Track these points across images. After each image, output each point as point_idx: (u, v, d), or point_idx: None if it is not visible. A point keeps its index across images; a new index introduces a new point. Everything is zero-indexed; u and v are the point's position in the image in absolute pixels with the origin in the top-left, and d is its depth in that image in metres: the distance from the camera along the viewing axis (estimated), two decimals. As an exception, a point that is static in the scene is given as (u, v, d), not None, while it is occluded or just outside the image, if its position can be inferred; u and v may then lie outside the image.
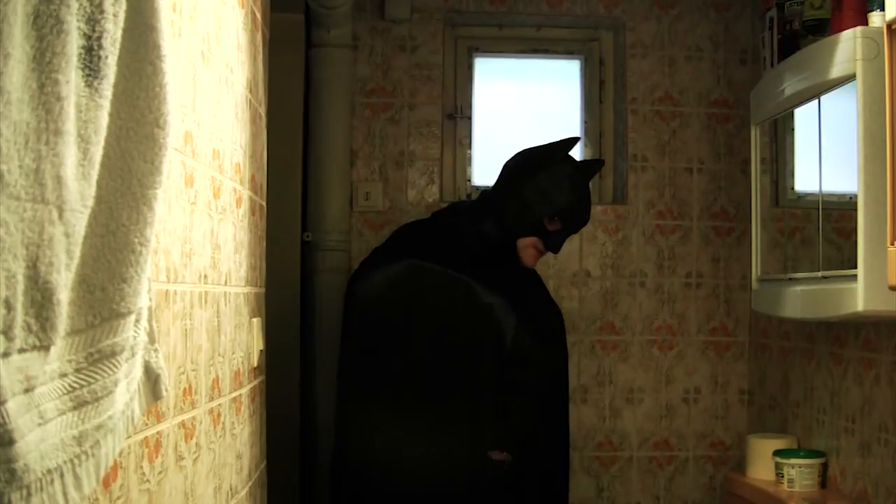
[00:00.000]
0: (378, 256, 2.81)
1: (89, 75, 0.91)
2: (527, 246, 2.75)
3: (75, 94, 0.88)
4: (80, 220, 0.91)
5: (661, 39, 3.46)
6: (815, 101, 2.55)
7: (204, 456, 1.65)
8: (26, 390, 0.84)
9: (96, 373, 0.99)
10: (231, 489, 1.89)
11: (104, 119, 0.94)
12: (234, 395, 1.92)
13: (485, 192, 2.98)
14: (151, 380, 1.18)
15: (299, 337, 3.10)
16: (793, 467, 2.74)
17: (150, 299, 1.16)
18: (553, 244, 2.75)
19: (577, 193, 2.75)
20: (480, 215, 2.80)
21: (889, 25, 1.98)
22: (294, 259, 3.12)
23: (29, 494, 0.84)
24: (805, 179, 2.83)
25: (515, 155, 2.87)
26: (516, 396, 2.63)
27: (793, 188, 2.93)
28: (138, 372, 1.12)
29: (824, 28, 2.59)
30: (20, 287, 0.80)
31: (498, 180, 2.87)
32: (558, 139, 2.83)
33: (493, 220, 2.77)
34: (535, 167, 2.78)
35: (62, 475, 0.91)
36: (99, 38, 0.91)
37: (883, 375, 2.49)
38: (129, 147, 1.03)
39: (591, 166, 2.92)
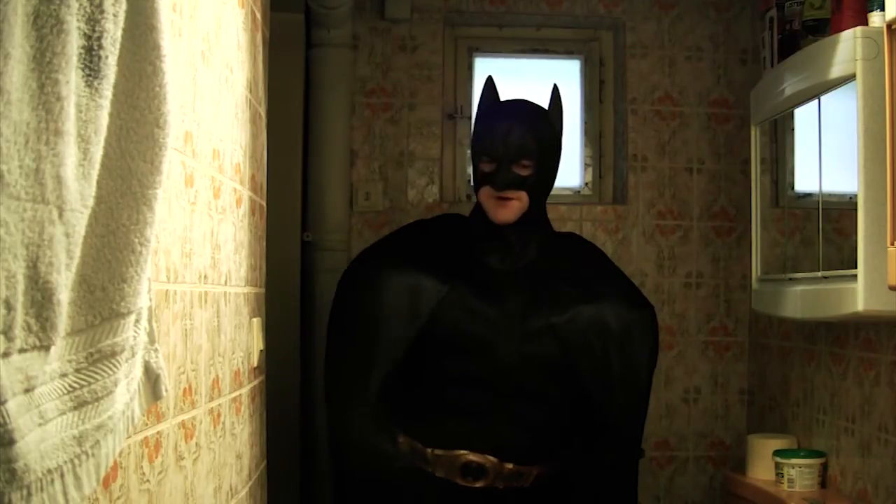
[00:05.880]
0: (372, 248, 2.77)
1: (89, 75, 0.91)
2: (485, 199, 2.52)
3: (75, 94, 0.88)
4: (80, 220, 0.91)
5: (661, 39, 3.46)
6: (815, 101, 2.55)
7: (204, 456, 1.65)
8: (26, 390, 0.84)
9: (96, 373, 0.99)
10: (231, 489, 1.89)
11: (104, 119, 0.94)
12: (234, 395, 1.92)
13: None
14: (151, 380, 1.18)
15: (299, 337, 3.10)
16: (793, 467, 2.74)
17: (150, 299, 1.16)
18: (495, 182, 2.48)
19: (491, 124, 2.55)
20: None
21: (889, 25, 1.98)
22: (294, 259, 3.12)
23: (29, 494, 0.84)
24: (805, 179, 2.83)
25: None
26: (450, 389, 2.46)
27: (793, 188, 2.94)
28: (138, 372, 1.12)
29: (824, 28, 2.59)
30: (20, 287, 0.80)
31: None
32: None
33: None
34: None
35: (62, 475, 0.91)
36: (99, 38, 0.91)
37: (883, 375, 2.49)
38: (129, 147, 1.03)
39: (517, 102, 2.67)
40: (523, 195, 2.49)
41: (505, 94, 2.67)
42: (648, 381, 2.62)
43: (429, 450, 2.45)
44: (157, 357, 1.18)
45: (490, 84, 2.64)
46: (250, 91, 2.09)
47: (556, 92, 2.63)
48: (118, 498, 1.18)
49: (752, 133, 3.02)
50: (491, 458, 2.43)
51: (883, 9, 2.12)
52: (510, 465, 2.45)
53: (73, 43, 0.86)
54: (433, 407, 2.48)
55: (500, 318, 2.48)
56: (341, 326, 2.60)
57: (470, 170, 3.44)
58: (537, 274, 2.54)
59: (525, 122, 2.52)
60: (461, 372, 2.47)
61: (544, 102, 2.61)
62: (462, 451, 2.44)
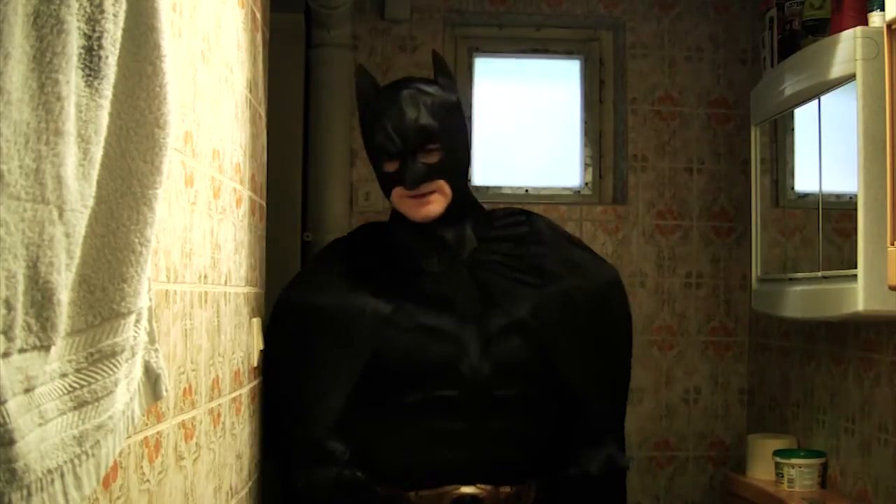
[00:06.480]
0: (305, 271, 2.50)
1: (89, 75, 0.91)
2: (399, 201, 2.21)
3: (75, 94, 0.88)
4: (80, 220, 0.91)
5: (661, 39, 3.46)
6: (815, 101, 2.55)
7: (204, 456, 1.65)
8: (27, 390, 0.84)
9: (96, 373, 0.99)
10: (231, 489, 1.89)
11: (104, 119, 0.94)
12: (234, 395, 1.92)
13: None
14: (151, 380, 1.18)
15: (299, 337, 3.10)
16: (793, 467, 2.74)
17: (151, 299, 1.16)
18: (405, 182, 2.15)
19: (378, 117, 2.20)
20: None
21: (889, 25, 1.98)
22: (294, 259, 3.12)
23: (29, 494, 0.84)
24: (805, 179, 2.83)
25: None
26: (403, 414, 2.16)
27: (793, 188, 2.93)
28: (138, 372, 1.12)
29: (824, 28, 2.59)
30: (20, 287, 0.80)
31: None
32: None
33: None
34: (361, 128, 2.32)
35: (62, 475, 0.91)
36: (99, 38, 0.91)
37: (883, 375, 2.49)
38: (130, 147, 1.03)
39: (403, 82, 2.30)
40: (442, 184, 2.19)
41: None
42: (629, 351, 2.37)
43: (412, 493, 2.12)
44: (157, 357, 1.18)
45: (363, 73, 2.29)
46: (250, 91, 2.09)
47: (437, 57, 2.33)
48: (118, 498, 1.18)
49: (752, 133, 3.02)
50: (484, 486, 2.13)
51: (883, 9, 2.12)
52: (507, 489, 2.14)
53: (73, 43, 0.86)
54: (405, 443, 2.15)
55: (455, 328, 2.15)
56: (276, 378, 2.27)
57: (470, 170, 3.41)
58: (482, 265, 2.23)
59: (415, 101, 2.18)
60: (428, 397, 2.13)
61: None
62: (450, 486, 2.12)
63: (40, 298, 0.84)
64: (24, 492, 0.83)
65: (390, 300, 2.19)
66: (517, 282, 2.23)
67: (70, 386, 0.95)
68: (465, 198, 2.28)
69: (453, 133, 2.21)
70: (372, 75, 2.31)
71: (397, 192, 2.20)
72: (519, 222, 2.36)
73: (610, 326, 2.33)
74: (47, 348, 0.87)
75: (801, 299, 2.63)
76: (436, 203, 2.20)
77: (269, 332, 2.26)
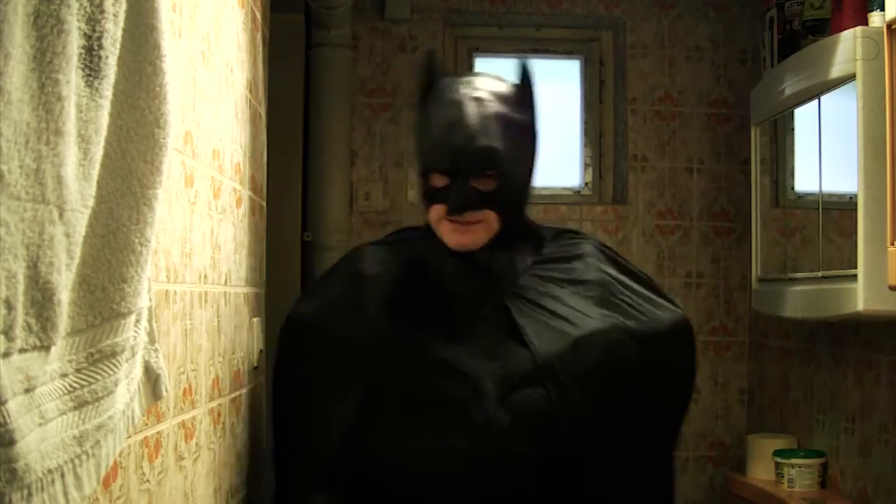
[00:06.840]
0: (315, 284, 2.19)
1: (89, 75, 0.91)
2: (437, 221, 1.84)
3: (76, 94, 0.88)
4: (80, 220, 0.91)
5: (661, 39, 3.46)
6: (815, 101, 2.55)
7: (204, 456, 1.65)
8: (27, 390, 0.84)
9: (97, 373, 0.99)
10: (231, 489, 1.89)
11: (104, 119, 0.94)
12: (234, 395, 1.92)
13: None
14: (151, 380, 1.18)
15: (299, 337, 3.09)
16: (793, 467, 2.74)
17: (151, 299, 1.16)
18: (449, 204, 1.79)
19: (437, 121, 1.82)
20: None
21: (889, 25, 1.98)
22: (294, 259, 3.12)
23: (29, 494, 0.84)
24: (805, 179, 2.84)
25: None
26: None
27: (793, 188, 2.94)
28: (138, 372, 1.12)
29: (824, 28, 2.59)
30: (21, 287, 0.80)
31: None
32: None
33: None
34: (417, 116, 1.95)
35: (63, 475, 0.91)
36: (99, 38, 0.91)
37: (883, 375, 2.49)
38: (130, 147, 1.03)
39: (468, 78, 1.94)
40: (490, 215, 1.81)
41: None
42: (676, 429, 2.01)
43: None
44: (157, 357, 1.18)
45: (431, 60, 1.95)
46: (250, 91, 2.09)
47: (524, 69, 1.97)
48: (118, 498, 1.18)
49: (752, 133, 3.02)
50: None
51: (883, 9, 2.12)
52: None
53: (74, 43, 0.86)
54: (406, 496, 1.81)
55: (472, 365, 1.79)
56: (277, 409, 2.00)
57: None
58: (519, 296, 1.87)
59: (482, 114, 1.80)
60: (433, 447, 1.77)
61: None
62: None
63: (40, 298, 0.84)
64: (25, 492, 0.83)
65: (404, 324, 1.86)
66: (554, 318, 1.85)
67: (70, 386, 0.95)
68: (518, 229, 1.91)
69: (518, 160, 1.84)
70: (442, 64, 1.92)
71: (437, 209, 1.82)
72: (567, 248, 1.98)
73: (657, 389, 1.93)
74: (47, 348, 0.87)
75: (801, 299, 2.63)
76: (477, 234, 1.83)
77: (277, 350, 2.00)
